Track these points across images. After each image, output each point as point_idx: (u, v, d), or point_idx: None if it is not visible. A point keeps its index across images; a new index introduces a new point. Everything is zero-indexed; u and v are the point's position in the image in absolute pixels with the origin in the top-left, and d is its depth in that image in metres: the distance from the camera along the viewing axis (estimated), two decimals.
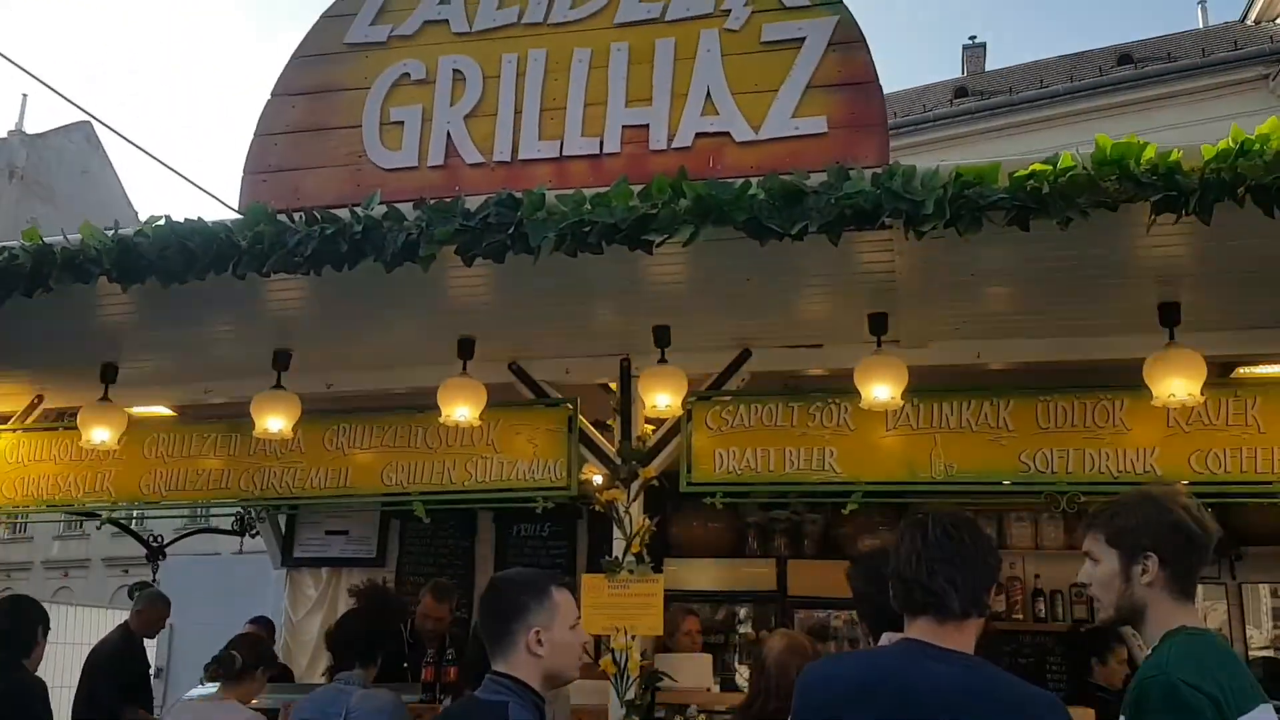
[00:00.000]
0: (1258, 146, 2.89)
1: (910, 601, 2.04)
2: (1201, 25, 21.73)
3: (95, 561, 28.37)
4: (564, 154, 4.15)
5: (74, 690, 6.10)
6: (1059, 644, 6.56)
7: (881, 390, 4.25)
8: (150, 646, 6.99)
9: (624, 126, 4.12)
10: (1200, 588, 6.72)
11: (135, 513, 7.05)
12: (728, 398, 4.77)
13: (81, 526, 26.23)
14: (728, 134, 4.01)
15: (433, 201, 3.50)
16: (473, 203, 3.49)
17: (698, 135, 4.02)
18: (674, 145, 4.02)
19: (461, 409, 4.55)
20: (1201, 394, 3.96)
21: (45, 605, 4.56)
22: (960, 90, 22.92)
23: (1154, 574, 2.17)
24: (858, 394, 4.29)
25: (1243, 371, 4.40)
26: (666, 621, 4.72)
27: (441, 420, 4.62)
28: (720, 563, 7.19)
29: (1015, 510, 6.74)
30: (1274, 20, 18.81)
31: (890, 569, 2.09)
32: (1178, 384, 3.85)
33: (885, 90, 4.00)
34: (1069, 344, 4.42)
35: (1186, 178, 2.95)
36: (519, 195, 3.39)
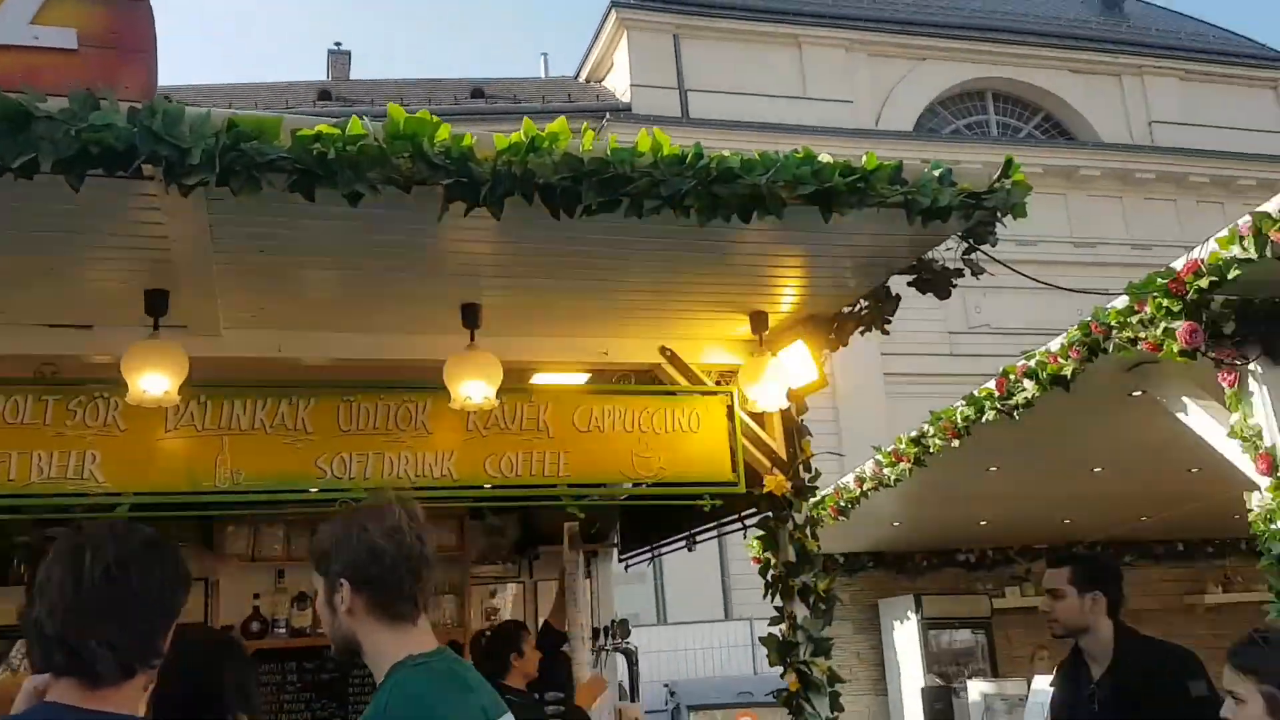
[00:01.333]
0: (547, 144, 2.86)
1: (51, 663, 1.48)
2: (543, 75, 24.17)
3: None
4: None
5: None
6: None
7: (153, 382, 3.58)
8: None
9: None
10: (504, 589, 6.95)
11: None
12: None
13: None
14: None
15: None
16: None
17: None
18: None
19: None
20: (499, 398, 3.97)
21: None
22: (324, 93, 22.70)
23: (350, 601, 1.91)
24: None
25: (537, 379, 4.56)
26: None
27: None
28: None
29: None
30: (600, 81, 21.56)
31: (27, 617, 1.51)
32: (475, 387, 3.79)
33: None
34: (378, 341, 4.18)
35: (479, 166, 2.82)
36: None
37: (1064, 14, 22.89)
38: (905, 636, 9.48)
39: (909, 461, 7.00)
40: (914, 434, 6.85)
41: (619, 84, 20.46)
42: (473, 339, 3.86)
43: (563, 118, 2.92)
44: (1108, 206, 20.47)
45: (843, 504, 8.18)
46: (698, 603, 17.57)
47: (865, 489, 7.78)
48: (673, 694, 11.84)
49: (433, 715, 1.79)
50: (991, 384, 5.78)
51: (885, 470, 7.30)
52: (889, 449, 7.19)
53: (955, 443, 6.31)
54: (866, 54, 20.74)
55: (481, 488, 4.25)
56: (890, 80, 20.70)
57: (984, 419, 5.89)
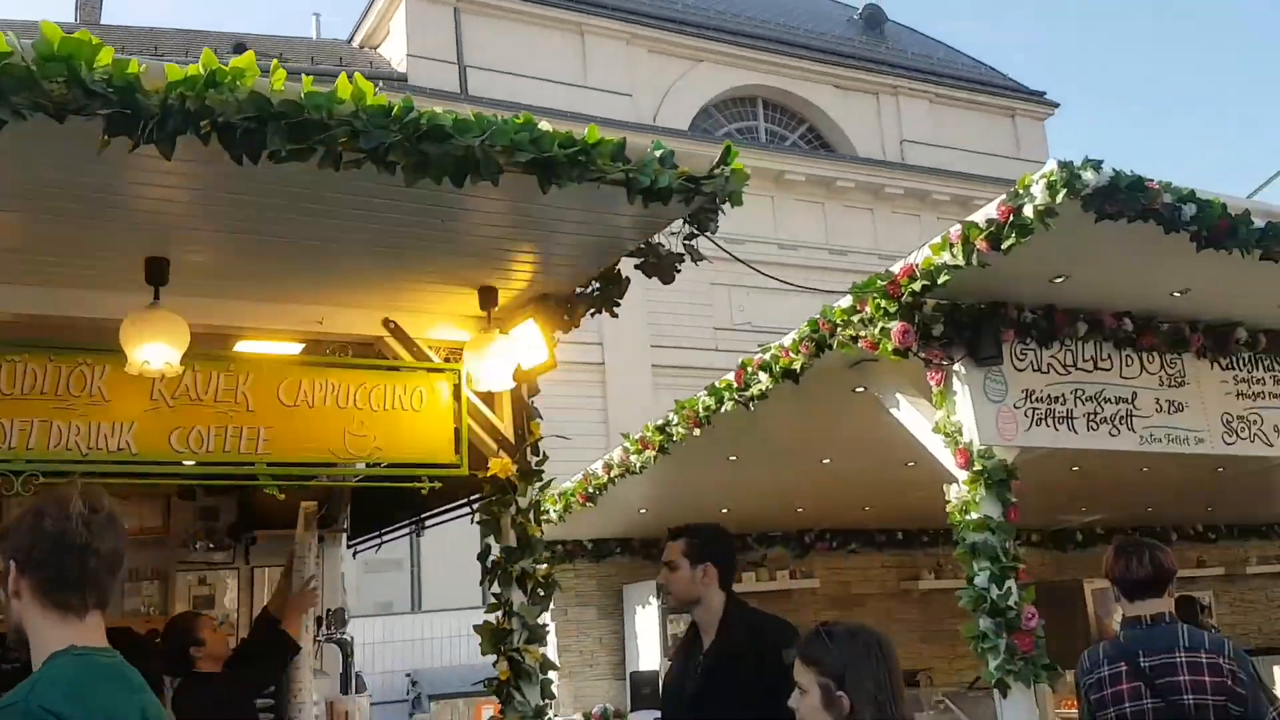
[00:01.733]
0: (229, 80, 2.57)
1: None
2: (315, 36, 22.92)
3: None
4: None
5: None
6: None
7: None
8: None
9: None
10: (217, 575, 6.44)
11: None
12: None
13: None
14: None
15: None
16: None
17: None
18: None
19: None
20: (192, 366, 3.60)
21: None
22: None
23: (15, 583, 1.91)
24: None
25: (241, 346, 4.19)
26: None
27: None
28: None
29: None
30: (375, 48, 20.67)
31: None
32: (155, 350, 3.40)
33: None
34: (51, 295, 3.70)
35: (147, 98, 2.49)
36: None
37: (830, 30, 24.06)
38: (646, 621, 9.61)
39: (654, 449, 7.06)
40: (659, 422, 6.91)
41: (395, 53, 19.70)
42: (157, 297, 3.46)
43: (251, 52, 2.63)
44: (860, 217, 21.67)
45: (591, 490, 8.18)
46: (454, 589, 17.25)
47: (613, 476, 7.80)
48: (414, 683, 11.51)
49: (87, 703, 1.74)
50: (731, 375, 5.89)
51: (633, 458, 7.33)
52: (637, 437, 7.23)
53: (697, 431, 6.41)
54: (647, 50, 20.96)
55: (176, 464, 3.86)
56: (669, 78, 21.02)
57: (723, 409, 6.00)
